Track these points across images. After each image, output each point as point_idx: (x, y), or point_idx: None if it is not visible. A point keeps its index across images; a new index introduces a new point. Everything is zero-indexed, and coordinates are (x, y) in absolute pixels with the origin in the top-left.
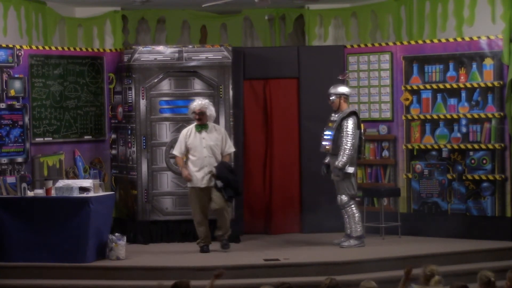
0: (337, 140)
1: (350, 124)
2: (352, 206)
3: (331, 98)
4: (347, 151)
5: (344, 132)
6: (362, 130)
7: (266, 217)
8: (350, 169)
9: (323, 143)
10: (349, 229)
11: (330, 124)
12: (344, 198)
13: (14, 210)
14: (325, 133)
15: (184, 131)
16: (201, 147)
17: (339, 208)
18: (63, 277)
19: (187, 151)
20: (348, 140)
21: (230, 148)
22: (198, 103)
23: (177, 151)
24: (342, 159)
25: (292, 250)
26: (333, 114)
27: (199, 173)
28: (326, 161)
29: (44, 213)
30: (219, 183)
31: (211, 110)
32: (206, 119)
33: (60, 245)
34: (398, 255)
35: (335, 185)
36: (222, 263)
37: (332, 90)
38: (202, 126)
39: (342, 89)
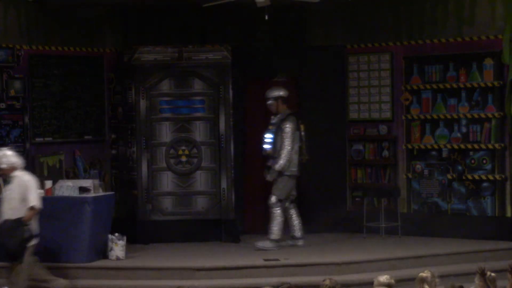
0: (277, 143)
1: (288, 127)
2: (278, 209)
3: (268, 102)
4: (285, 154)
5: (283, 135)
6: (302, 132)
7: (266, 217)
8: (290, 172)
9: (264, 146)
10: (268, 230)
11: (270, 127)
12: (273, 199)
13: None
14: (265, 136)
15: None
16: (5, 201)
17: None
18: (63, 277)
19: None
20: (287, 143)
21: (31, 202)
22: None
23: None
24: (280, 161)
25: (292, 250)
26: (272, 117)
27: None
28: (269, 163)
29: (44, 213)
30: None
31: (9, 162)
32: (7, 171)
33: (60, 245)
34: (398, 255)
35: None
36: (222, 264)
37: (269, 93)
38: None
39: (279, 91)
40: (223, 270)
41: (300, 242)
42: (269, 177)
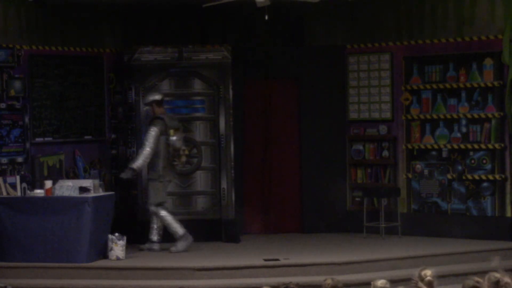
0: None
1: (151, 130)
2: (162, 213)
3: (145, 108)
4: (142, 154)
5: (145, 137)
6: (173, 137)
7: (266, 217)
8: (154, 175)
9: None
10: (172, 234)
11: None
12: (152, 208)
13: (14, 210)
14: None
15: None
16: None
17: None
18: (63, 277)
19: None
20: (146, 144)
21: None
22: None
23: None
24: (137, 161)
25: (292, 250)
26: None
27: None
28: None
29: (44, 213)
30: None
31: None
32: None
33: (60, 245)
34: (398, 255)
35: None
36: (222, 264)
37: (144, 100)
38: None
39: (152, 96)
40: (223, 270)
41: (156, 246)
42: (123, 175)
